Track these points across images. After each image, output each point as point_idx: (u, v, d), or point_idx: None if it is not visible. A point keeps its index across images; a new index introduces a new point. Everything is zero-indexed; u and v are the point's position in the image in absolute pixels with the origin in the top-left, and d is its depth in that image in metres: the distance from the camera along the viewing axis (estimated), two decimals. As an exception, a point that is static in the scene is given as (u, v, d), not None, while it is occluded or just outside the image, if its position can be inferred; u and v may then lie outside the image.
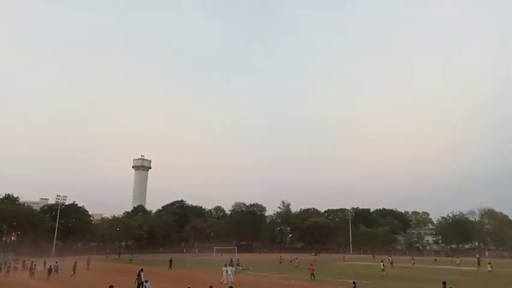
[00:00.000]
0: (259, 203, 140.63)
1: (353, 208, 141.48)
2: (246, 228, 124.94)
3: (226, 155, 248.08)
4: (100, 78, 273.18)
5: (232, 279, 32.35)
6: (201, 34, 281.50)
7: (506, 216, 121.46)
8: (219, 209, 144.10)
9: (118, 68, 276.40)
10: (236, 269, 40.83)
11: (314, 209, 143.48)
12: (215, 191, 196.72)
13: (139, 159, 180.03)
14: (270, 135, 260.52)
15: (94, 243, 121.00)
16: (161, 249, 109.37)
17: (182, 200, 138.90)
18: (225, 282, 31.67)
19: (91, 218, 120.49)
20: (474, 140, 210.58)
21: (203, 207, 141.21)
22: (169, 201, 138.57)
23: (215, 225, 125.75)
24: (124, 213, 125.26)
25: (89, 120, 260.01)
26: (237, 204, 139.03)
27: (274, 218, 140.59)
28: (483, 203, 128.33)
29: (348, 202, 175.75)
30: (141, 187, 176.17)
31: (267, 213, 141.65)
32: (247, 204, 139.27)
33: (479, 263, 54.97)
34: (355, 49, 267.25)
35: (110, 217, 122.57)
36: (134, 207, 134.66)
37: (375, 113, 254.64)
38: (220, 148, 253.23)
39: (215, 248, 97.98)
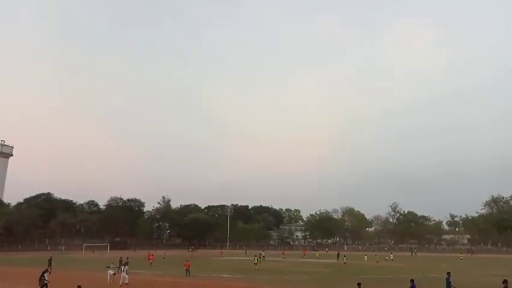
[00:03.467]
0: (138, 198, 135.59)
1: (233, 205, 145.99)
2: (122, 224, 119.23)
3: (105, 146, 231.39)
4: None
5: (126, 280, 29.32)
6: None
7: (363, 215, 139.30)
8: (92, 203, 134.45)
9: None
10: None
11: (195, 205, 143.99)
12: (89, 184, 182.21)
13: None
14: (154, 129, 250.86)
15: None
16: (20, 246, 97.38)
17: (49, 193, 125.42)
18: (122, 282, 29.08)
19: None
20: (346, 149, 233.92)
21: (74, 201, 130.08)
22: (34, 194, 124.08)
23: (86, 220, 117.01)
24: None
25: None
26: (113, 199, 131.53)
27: (153, 214, 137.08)
28: (345, 202, 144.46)
29: (230, 199, 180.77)
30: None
31: (145, 209, 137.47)
32: (125, 199, 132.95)
33: (338, 256, 61.91)
34: (248, 55, 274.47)
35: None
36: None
37: (262, 115, 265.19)
38: (97, 138, 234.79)
39: (84, 245, 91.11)
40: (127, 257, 43.59)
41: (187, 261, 39.53)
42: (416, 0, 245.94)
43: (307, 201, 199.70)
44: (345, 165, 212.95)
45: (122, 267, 31.19)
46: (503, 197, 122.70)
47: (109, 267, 31.41)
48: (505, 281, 18.36)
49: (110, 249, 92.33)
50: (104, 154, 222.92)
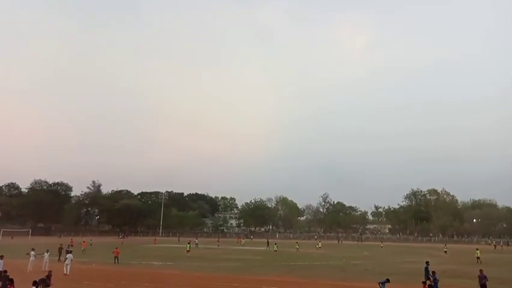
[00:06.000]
0: (65, 182, 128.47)
1: (167, 191, 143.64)
2: (46, 209, 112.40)
3: (29, 124, 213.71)
4: None
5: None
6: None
7: (296, 204, 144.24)
8: (12, 186, 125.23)
9: None
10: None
11: (127, 190, 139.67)
12: (10, 166, 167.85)
13: None
14: (85, 109, 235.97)
15: None
16: None
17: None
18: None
19: None
20: (285, 141, 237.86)
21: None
22: None
23: (5, 204, 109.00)
24: None
25: None
26: (37, 182, 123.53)
27: (81, 199, 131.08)
28: (280, 192, 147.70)
29: (165, 185, 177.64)
30: None
31: (73, 194, 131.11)
32: (50, 182, 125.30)
33: (268, 244, 63.96)
34: (189, 41, 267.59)
35: None
36: None
37: (202, 103, 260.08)
38: (21, 115, 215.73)
39: (2, 230, 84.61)
40: (69, 245, 41.18)
41: (116, 248, 38.40)
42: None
43: (244, 190, 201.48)
44: (283, 157, 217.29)
45: (68, 255, 29.00)
46: (421, 191, 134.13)
47: (28, 254, 29.53)
48: (481, 271, 20.01)
49: (32, 235, 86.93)
50: (28, 133, 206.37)
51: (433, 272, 20.44)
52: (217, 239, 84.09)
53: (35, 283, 15.49)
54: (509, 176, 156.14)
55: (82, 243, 51.01)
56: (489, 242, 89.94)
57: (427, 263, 23.52)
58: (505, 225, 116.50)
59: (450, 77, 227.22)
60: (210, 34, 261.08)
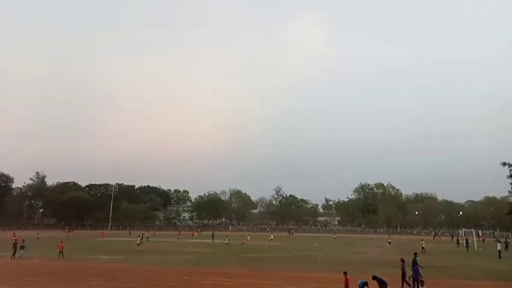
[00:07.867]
0: (5, 173, 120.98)
1: (118, 184, 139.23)
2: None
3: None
4: None
5: None
6: None
7: (249, 197, 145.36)
8: None
9: None
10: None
11: (74, 182, 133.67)
12: None
13: None
14: (28, 94, 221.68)
15: None
16: None
17: None
18: None
19: None
20: (240, 136, 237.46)
21: None
22: None
23: None
24: None
25: None
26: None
27: (23, 191, 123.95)
28: (234, 184, 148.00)
29: (117, 177, 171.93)
30: None
31: (15, 185, 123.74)
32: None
33: (213, 237, 64.18)
34: (144, 27, 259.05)
35: None
36: None
37: (158, 96, 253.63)
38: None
39: None
40: (23, 240, 38.65)
41: (61, 242, 36.74)
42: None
43: (198, 182, 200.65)
44: (238, 151, 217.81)
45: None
46: (369, 185, 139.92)
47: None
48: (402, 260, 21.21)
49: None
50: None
51: (415, 253, 21.01)
52: (178, 231, 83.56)
53: None
54: (448, 170, 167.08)
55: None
56: (433, 233, 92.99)
57: (415, 254, 23.77)
58: (443, 217, 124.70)
59: (398, 77, 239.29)
60: (164, 26, 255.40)
